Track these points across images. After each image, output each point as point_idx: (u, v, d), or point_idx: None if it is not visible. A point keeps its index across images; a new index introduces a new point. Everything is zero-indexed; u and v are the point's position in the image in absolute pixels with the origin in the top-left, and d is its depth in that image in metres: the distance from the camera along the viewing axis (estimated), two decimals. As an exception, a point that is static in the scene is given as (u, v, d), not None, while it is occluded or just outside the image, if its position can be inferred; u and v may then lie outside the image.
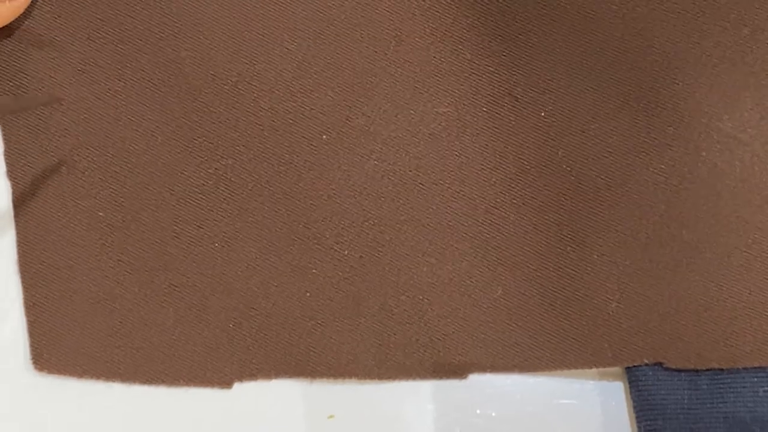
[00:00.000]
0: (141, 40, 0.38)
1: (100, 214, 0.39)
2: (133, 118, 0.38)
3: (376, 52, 0.38)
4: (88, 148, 0.39)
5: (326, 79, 0.38)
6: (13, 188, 0.39)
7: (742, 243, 0.37)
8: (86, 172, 0.39)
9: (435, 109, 0.38)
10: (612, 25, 0.37)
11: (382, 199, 0.38)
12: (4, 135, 0.39)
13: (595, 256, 0.38)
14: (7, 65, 0.38)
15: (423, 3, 0.38)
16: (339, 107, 0.38)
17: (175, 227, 0.39)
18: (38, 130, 0.39)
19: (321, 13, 0.38)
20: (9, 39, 0.38)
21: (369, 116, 0.38)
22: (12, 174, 0.39)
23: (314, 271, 0.39)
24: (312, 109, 0.38)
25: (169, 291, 0.39)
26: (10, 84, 0.38)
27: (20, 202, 0.39)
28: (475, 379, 0.39)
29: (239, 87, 0.38)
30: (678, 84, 0.37)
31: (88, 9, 0.38)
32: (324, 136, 0.38)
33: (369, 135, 0.38)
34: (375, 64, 0.38)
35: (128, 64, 0.38)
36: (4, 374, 0.40)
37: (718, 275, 0.37)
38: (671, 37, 0.37)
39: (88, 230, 0.39)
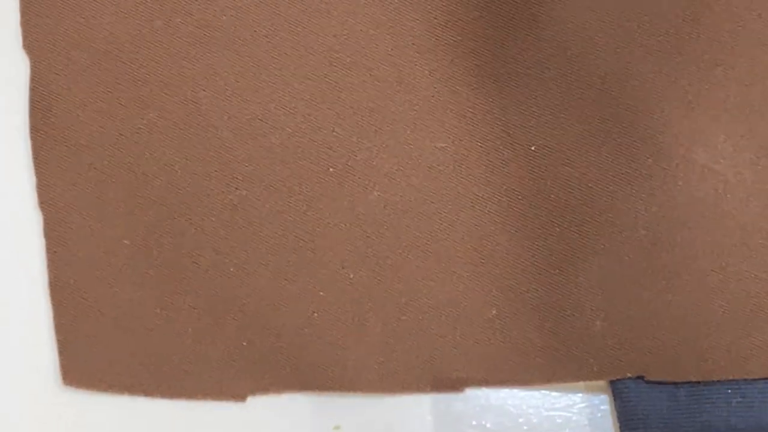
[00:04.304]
0: (162, 82, 0.40)
1: (125, 241, 0.41)
2: (155, 154, 0.41)
3: (378, 92, 0.40)
4: (113, 182, 0.41)
5: (333, 118, 0.40)
6: (44, 218, 0.41)
7: (717, 266, 0.38)
8: (112, 204, 0.41)
9: (433, 144, 0.40)
10: (595, 65, 0.39)
11: (385, 227, 0.40)
12: (36, 170, 0.41)
13: (581, 279, 0.39)
14: (41, 104, 0.41)
15: (422, 46, 0.40)
16: (344, 143, 0.40)
17: (194, 253, 0.41)
18: (68, 165, 0.41)
19: (328, 56, 0.40)
20: (40, 87, 0.41)
21: (372, 151, 0.40)
22: (43, 205, 0.41)
23: (321, 293, 0.40)
24: (320, 144, 0.40)
25: (187, 312, 0.41)
26: (43, 123, 0.41)
27: (51, 231, 0.41)
28: (471, 392, 0.41)
29: (253, 125, 0.40)
30: (656, 119, 0.39)
31: (113, 57, 0.41)
32: (331, 170, 0.40)
33: (372, 168, 0.40)
34: (378, 102, 0.40)
35: (150, 105, 0.41)
36: (36, 390, 0.42)
37: (694, 296, 0.39)
38: (650, 76, 0.39)
39: (113, 256, 0.41)
